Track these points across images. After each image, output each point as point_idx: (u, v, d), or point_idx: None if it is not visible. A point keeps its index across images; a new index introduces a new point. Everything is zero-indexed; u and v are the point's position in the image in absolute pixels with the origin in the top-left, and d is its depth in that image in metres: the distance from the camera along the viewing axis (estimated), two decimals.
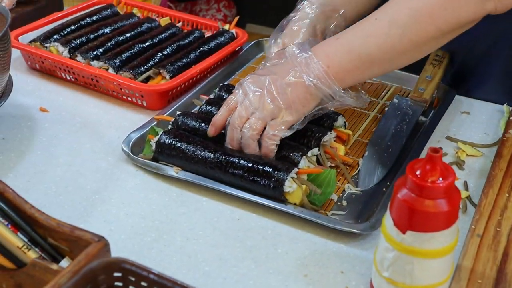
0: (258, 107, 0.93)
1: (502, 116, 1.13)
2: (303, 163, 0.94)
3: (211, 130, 0.97)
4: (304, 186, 0.92)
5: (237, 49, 1.29)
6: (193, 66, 1.19)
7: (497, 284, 0.78)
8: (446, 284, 0.77)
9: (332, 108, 0.96)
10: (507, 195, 0.93)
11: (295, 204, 0.92)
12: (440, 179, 0.71)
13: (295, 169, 0.92)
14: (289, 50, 0.97)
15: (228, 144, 0.95)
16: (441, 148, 0.72)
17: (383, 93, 1.21)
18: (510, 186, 0.95)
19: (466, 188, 0.99)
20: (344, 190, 0.98)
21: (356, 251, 0.88)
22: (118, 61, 1.18)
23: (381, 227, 0.77)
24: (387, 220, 0.75)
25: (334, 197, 0.96)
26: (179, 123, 1.02)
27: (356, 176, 1.01)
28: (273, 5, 2.30)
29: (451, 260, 0.76)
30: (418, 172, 0.72)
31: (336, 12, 1.10)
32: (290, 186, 0.91)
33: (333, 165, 1.00)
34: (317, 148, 0.98)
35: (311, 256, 0.87)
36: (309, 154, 0.96)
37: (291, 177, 0.91)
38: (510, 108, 1.14)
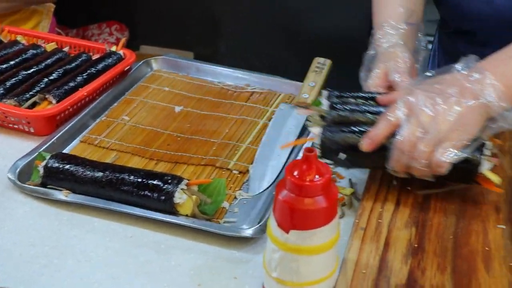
0: (428, 129, 0.84)
1: None
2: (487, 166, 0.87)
3: (367, 144, 0.87)
4: (194, 197, 0.91)
5: (126, 69, 1.27)
6: (80, 89, 1.16)
7: (379, 272, 0.80)
8: (333, 278, 0.78)
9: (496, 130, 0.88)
10: (387, 187, 0.95)
11: (186, 215, 0.91)
12: (317, 177, 0.72)
13: (185, 181, 0.91)
14: (453, 68, 0.90)
15: (392, 166, 0.88)
16: (315, 149, 0.73)
17: (271, 101, 1.22)
18: (390, 179, 0.97)
19: (351, 185, 1.01)
20: (235, 197, 0.97)
21: (248, 256, 0.87)
22: (1, 89, 1.14)
23: (267, 229, 0.77)
24: (272, 222, 0.76)
25: (226, 205, 0.95)
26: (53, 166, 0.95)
27: (247, 182, 1.01)
28: (165, 26, 2.29)
29: (335, 254, 0.77)
30: (296, 173, 0.73)
31: (413, 26, 1.07)
32: (180, 197, 0.90)
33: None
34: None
35: (204, 265, 0.86)
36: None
37: (181, 189, 0.90)
38: None
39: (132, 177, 0.91)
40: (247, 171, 1.03)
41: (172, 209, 0.90)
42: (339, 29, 1.79)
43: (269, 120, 1.17)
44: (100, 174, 0.93)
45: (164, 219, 0.90)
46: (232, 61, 2.05)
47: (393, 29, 1.05)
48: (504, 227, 0.88)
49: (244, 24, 2.04)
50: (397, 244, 0.85)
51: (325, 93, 0.98)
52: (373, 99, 0.94)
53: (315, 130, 0.92)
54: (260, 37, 1.88)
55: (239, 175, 1.02)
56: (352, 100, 0.95)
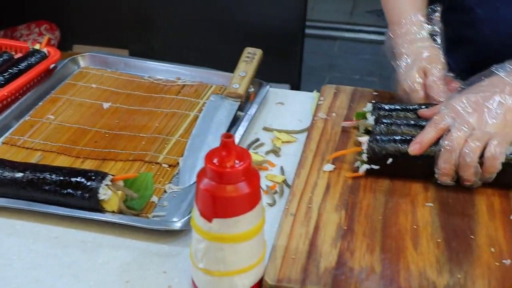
0: (476, 127, 0.86)
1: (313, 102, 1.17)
2: None
3: (416, 148, 0.89)
4: (120, 192, 0.88)
5: (51, 67, 1.23)
6: (0, 89, 1.11)
7: (309, 256, 0.79)
8: (261, 265, 0.76)
9: None
10: (317, 172, 0.95)
11: (113, 212, 0.88)
12: (237, 162, 0.71)
13: (109, 176, 0.88)
14: (491, 72, 0.92)
15: (441, 168, 0.88)
16: (233, 135, 0.71)
17: (203, 93, 1.21)
18: (320, 163, 0.97)
19: (282, 173, 1.00)
20: (165, 191, 0.95)
21: (178, 249, 0.86)
22: None
23: (191, 220, 0.75)
24: (195, 212, 0.74)
25: (155, 199, 0.93)
26: None
27: (177, 175, 0.99)
28: (99, 24, 2.25)
29: (261, 241, 0.76)
30: (215, 160, 0.71)
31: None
32: (105, 193, 0.87)
33: None
34: None
35: (133, 262, 0.83)
36: None
37: (106, 185, 0.87)
38: (319, 93, 1.18)
39: (54, 176, 0.88)
40: (177, 164, 1.01)
41: (97, 206, 0.88)
42: (269, 19, 1.79)
43: (200, 112, 1.15)
44: (20, 174, 0.89)
45: (90, 216, 0.87)
46: (167, 56, 2.03)
47: (418, 23, 1.05)
48: (432, 204, 0.89)
49: (176, 19, 2.01)
50: (327, 227, 0.84)
51: (369, 105, 1.01)
52: (415, 111, 0.98)
53: (363, 139, 0.93)
54: (194, 30, 1.87)
55: (169, 169, 1.00)
56: (395, 114, 0.98)
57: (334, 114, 1.10)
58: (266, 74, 1.82)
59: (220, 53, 1.78)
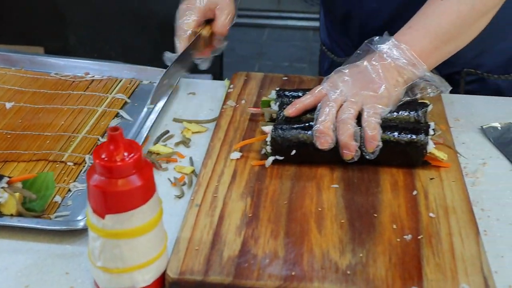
0: (350, 93, 0.90)
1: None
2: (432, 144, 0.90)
3: (291, 110, 0.93)
4: (17, 194, 0.85)
5: None
6: None
7: (213, 246, 0.78)
8: (162, 259, 0.75)
9: (428, 108, 0.95)
10: (224, 161, 0.94)
11: (11, 215, 0.85)
12: (126, 155, 0.69)
13: (5, 178, 0.85)
14: (364, 46, 0.96)
15: (318, 130, 0.89)
16: (120, 127, 0.69)
17: (112, 88, 1.18)
18: (227, 152, 0.96)
19: (192, 164, 0.99)
20: (69, 189, 0.92)
21: (82, 248, 0.83)
22: None
23: (86, 218, 0.73)
24: (88, 209, 0.72)
25: (58, 198, 0.90)
26: None
27: (83, 173, 0.96)
28: (11, 22, 2.17)
29: (161, 234, 0.74)
30: (104, 155, 0.69)
31: None
32: (1, 196, 0.84)
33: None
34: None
35: (34, 265, 0.81)
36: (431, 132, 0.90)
37: (1, 187, 0.84)
38: (229, 81, 1.17)
39: None
40: (84, 161, 0.99)
41: None
42: None
43: (109, 107, 1.12)
44: None
45: None
46: (85, 52, 1.98)
47: None
48: (337, 186, 0.89)
49: (93, 13, 1.96)
50: (232, 216, 0.83)
51: (273, 92, 1.00)
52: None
53: (267, 128, 0.92)
54: (112, 25, 1.82)
55: (74, 167, 0.97)
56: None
57: (243, 101, 1.09)
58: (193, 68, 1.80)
59: (140, 46, 1.75)
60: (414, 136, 0.89)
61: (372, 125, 0.89)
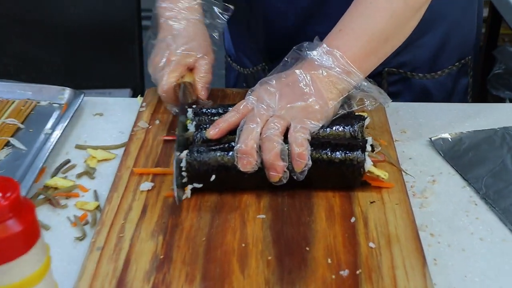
0: (277, 107, 0.90)
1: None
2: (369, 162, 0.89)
3: (213, 131, 0.91)
4: None
5: None
6: None
7: None
8: None
9: (366, 121, 0.95)
10: (133, 193, 0.91)
11: None
12: (1, 195, 0.65)
13: None
14: (293, 53, 0.95)
15: (240, 151, 0.87)
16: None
17: (2, 111, 1.14)
18: (137, 183, 0.93)
19: (96, 198, 0.95)
20: None
21: None
22: None
23: None
24: None
25: None
26: None
27: None
28: None
29: (49, 287, 0.71)
30: None
31: None
32: None
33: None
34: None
35: None
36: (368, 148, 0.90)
37: None
38: (142, 98, 1.14)
39: None
40: None
41: None
42: (96, 15, 1.74)
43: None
44: None
45: None
46: None
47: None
48: (264, 216, 0.87)
49: None
50: (140, 259, 0.80)
51: (190, 111, 0.98)
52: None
53: (182, 154, 0.89)
54: (6, 35, 1.77)
55: None
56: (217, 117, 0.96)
57: (157, 122, 1.07)
58: (102, 80, 1.76)
59: (43, 59, 1.70)
60: (349, 154, 0.89)
61: (298, 141, 0.87)
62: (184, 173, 0.89)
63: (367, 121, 0.96)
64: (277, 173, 0.87)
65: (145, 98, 1.13)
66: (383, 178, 0.91)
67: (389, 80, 1.21)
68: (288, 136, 0.88)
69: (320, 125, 0.92)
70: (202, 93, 1.05)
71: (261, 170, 0.88)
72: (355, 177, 0.89)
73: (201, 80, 1.05)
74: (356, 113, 0.97)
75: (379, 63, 0.97)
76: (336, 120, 0.94)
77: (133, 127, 1.06)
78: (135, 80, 1.79)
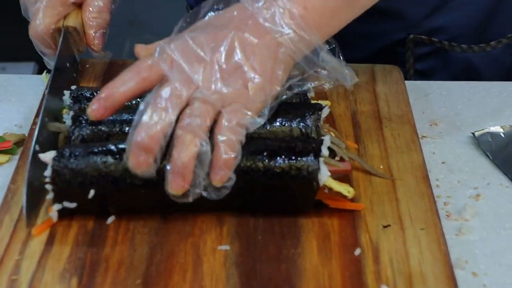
0: (205, 85, 0.88)
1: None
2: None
3: (95, 106, 0.88)
4: None
5: None
6: None
7: None
8: None
9: (311, 84, 0.95)
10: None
11: None
12: None
13: None
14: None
15: (137, 143, 0.85)
16: None
17: None
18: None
19: None
20: None
21: None
22: None
23: None
24: None
25: None
26: None
27: None
28: None
29: None
30: None
31: None
32: None
33: None
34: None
35: None
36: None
37: None
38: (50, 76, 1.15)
39: None
40: None
41: None
42: None
43: None
44: None
45: None
46: None
47: None
48: (228, 247, 0.88)
49: None
50: None
51: (67, 95, 1.00)
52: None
53: (46, 156, 0.89)
54: None
55: None
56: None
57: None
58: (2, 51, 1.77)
59: None
60: (295, 160, 0.89)
61: (232, 143, 0.88)
62: (48, 186, 0.89)
63: (325, 112, 0.97)
64: (183, 183, 0.87)
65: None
66: (346, 196, 0.92)
67: (416, 52, 1.23)
68: (215, 132, 0.88)
69: (262, 121, 0.92)
70: (96, 42, 1.05)
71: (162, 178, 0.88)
72: (304, 195, 0.91)
73: (93, 22, 1.05)
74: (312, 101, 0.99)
75: (342, 27, 0.98)
76: (280, 111, 0.95)
77: (34, 118, 1.07)
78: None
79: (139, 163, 0.86)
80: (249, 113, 0.89)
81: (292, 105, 0.96)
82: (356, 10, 0.98)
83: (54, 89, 1.00)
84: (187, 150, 0.86)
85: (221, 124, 0.88)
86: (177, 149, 0.86)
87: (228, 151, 0.87)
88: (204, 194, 0.87)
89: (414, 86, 1.14)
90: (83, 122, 0.95)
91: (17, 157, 1.04)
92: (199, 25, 0.95)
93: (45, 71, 1.19)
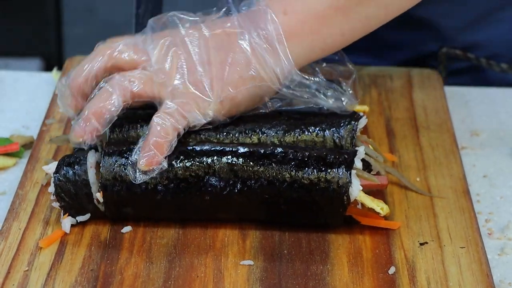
0: (157, 61, 0.93)
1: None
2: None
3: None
4: None
5: None
6: None
7: None
8: None
9: (360, 122, 0.95)
10: (44, 223, 0.94)
11: None
12: None
13: None
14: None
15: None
16: None
17: None
18: (50, 208, 0.95)
19: None
20: None
21: None
22: None
23: None
24: None
25: None
26: None
27: None
28: None
29: None
30: None
31: None
32: None
33: None
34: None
35: None
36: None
37: None
38: (60, 73, 1.16)
39: None
40: None
41: None
42: None
43: None
44: None
45: None
46: None
47: None
48: (252, 262, 0.89)
49: None
50: None
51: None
52: None
53: (49, 169, 0.92)
54: None
55: None
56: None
57: None
58: (4, 45, 1.78)
59: None
60: (324, 172, 0.90)
61: (167, 127, 0.91)
62: (55, 204, 0.92)
63: (362, 122, 0.97)
64: (83, 131, 0.91)
65: (65, 73, 1.14)
66: (379, 213, 0.92)
67: (449, 67, 1.22)
68: (156, 113, 0.92)
69: (205, 120, 0.94)
70: None
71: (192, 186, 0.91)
72: (334, 210, 0.91)
73: None
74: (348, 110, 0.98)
75: (344, 42, 0.98)
76: (311, 118, 0.96)
77: (44, 119, 1.08)
78: (48, 45, 1.80)
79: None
80: (195, 108, 0.92)
81: (325, 115, 0.96)
82: (353, 20, 0.96)
83: None
84: (99, 102, 0.91)
85: (161, 107, 0.92)
86: (93, 99, 0.92)
87: (162, 134, 0.90)
88: (130, 174, 0.90)
89: (453, 92, 1.14)
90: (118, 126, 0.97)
91: (24, 160, 1.05)
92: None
93: (55, 68, 1.19)
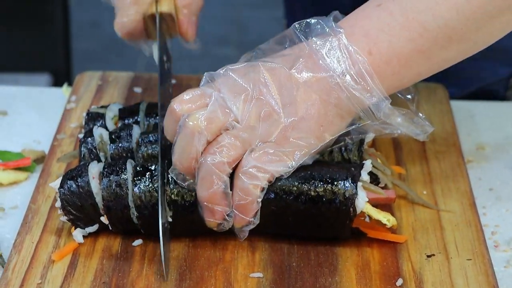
0: (240, 118, 0.89)
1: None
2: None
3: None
4: None
5: None
6: None
7: None
8: None
9: (367, 136, 0.94)
10: (56, 237, 0.94)
11: None
12: None
13: None
14: (291, 31, 0.95)
15: (176, 161, 0.91)
16: None
17: None
18: (62, 222, 0.95)
19: None
20: None
21: None
22: None
23: None
24: None
25: None
26: None
27: None
28: None
29: None
30: None
31: None
32: None
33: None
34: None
35: None
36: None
37: None
38: (70, 88, 1.17)
39: None
40: None
41: None
42: None
43: None
44: None
45: None
46: None
47: None
48: (261, 275, 0.89)
49: None
50: None
51: (114, 108, 1.03)
52: None
53: (56, 185, 0.93)
54: None
55: None
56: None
57: None
58: (6, 60, 1.79)
59: None
60: (331, 185, 0.91)
61: (245, 188, 0.89)
62: (63, 218, 0.94)
63: (370, 136, 0.97)
64: (214, 218, 0.90)
65: (75, 89, 1.15)
66: (386, 225, 0.92)
67: None
68: (235, 172, 0.90)
69: (291, 169, 0.91)
70: (188, 31, 1.06)
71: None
72: (340, 222, 0.92)
73: (186, 9, 1.06)
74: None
75: (414, 82, 0.97)
76: None
77: (56, 134, 1.09)
78: (57, 61, 1.80)
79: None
80: (276, 158, 0.90)
81: None
82: (432, 62, 0.95)
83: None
84: (208, 189, 0.89)
85: (239, 166, 0.89)
86: (198, 186, 0.90)
87: (241, 197, 0.89)
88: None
89: (458, 106, 1.15)
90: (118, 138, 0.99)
91: (36, 174, 1.06)
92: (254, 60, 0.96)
93: (65, 84, 1.20)
